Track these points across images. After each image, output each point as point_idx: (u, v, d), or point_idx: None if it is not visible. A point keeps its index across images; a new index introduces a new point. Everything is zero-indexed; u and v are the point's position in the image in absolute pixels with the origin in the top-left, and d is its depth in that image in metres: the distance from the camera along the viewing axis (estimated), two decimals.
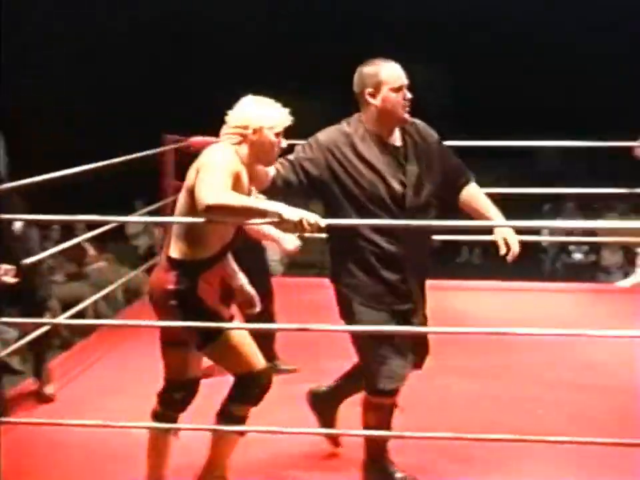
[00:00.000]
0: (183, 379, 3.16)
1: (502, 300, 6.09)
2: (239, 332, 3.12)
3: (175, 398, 3.16)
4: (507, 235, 3.27)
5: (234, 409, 3.10)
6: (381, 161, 3.26)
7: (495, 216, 3.36)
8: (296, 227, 2.80)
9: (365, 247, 3.23)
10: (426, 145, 3.34)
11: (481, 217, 3.37)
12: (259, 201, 2.99)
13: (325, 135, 3.30)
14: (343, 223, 3.18)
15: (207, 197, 2.80)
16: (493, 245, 3.30)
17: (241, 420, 3.12)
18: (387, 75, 3.24)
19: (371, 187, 3.21)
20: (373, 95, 3.25)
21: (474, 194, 3.43)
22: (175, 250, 3.07)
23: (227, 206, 2.81)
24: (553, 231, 8.55)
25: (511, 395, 4.33)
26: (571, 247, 10.35)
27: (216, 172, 2.89)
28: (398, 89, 3.24)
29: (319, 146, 3.27)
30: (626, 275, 7.29)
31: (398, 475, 3.39)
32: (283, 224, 2.82)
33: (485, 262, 10.30)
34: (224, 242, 3.09)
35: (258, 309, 3.36)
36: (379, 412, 3.31)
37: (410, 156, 3.30)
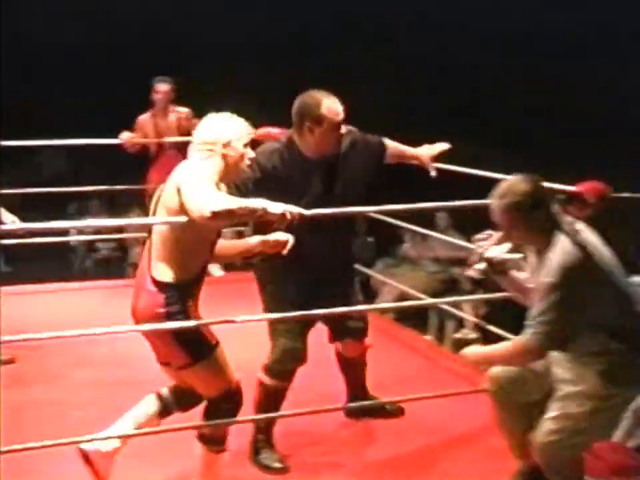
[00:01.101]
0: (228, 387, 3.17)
1: (36, 303, 5.92)
2: (222, 351, 3.17)
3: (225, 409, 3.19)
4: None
5: (214, 430, 3.19)
6: (308, 177, 3.59)
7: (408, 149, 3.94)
8: (281, 218, 2.97)
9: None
10: (360, 151, 3.73)
11: (405, 156, 3.95)
12: (247, 200, 3.02)
13: (263, 157, 3.55)
14: (325, 212, 3.34)
15: (207, 204, 2.85)
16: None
17: (223, 437, 3.22)
18: (328, 111, 3.51)
19: (296, 201, 3.19)
20: (311, 130, 3.53)
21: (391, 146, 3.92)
22: (160, 272, 3.07)
23: (228, 209, 2.88)
24: (81, 230, 8.53)
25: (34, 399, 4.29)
26: (99, 244, 10.43)
27: (203, 181, 2.96)
28: (336, 126, 3.53)
29: (260, 168, 3.51)
30: None
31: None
32: (268, 216, 2.96)
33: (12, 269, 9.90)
34: (204, 261, 3.15)
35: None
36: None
37: (340, 168, 3.67)
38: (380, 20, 7.79)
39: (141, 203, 7.35)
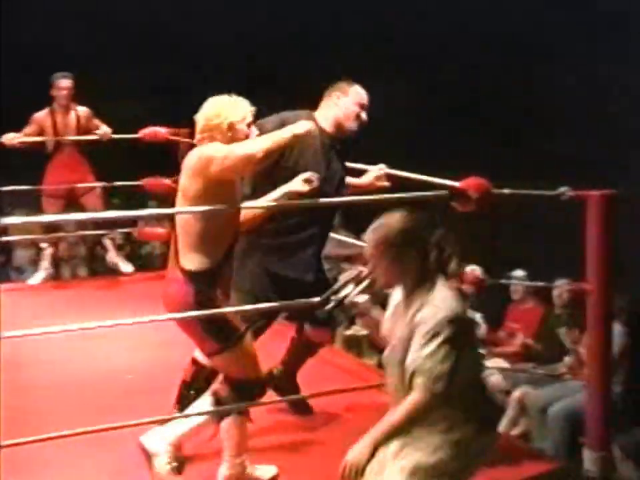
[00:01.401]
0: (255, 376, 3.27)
1: None
2: (250, 339, 3.29)
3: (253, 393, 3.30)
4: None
5: (230, 397, 3.26)
6: (317, 153, 3.81)
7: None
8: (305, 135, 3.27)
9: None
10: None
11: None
12: (275, 133, 3.20)
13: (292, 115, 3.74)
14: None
15: (253, 150, 3.07)
16: None
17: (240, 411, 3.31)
18: (356, 89, 3.90)
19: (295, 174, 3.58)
20: (338, 99, 3.87)
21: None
22: (188, 261, 3.15)
23: (272, 144, 3.11)
24: None
25: None
26: None
27: (229, 148, 3.10)
28: (359, 104, 3.87)
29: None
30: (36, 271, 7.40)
31: None
32: (299, 137, 3.22)
33: None
34: (229, 246, 3.21)
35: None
36: None
37: (344, 156, 3.96)
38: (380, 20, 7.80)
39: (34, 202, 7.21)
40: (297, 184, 3.55)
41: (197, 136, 3.27)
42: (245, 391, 3.28)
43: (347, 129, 3.91)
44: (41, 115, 6.92)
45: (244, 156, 3.08)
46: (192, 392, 3.66)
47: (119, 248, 7.64)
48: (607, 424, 3.71)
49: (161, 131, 7.07)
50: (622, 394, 5.52)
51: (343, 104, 3.89)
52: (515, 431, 5.90)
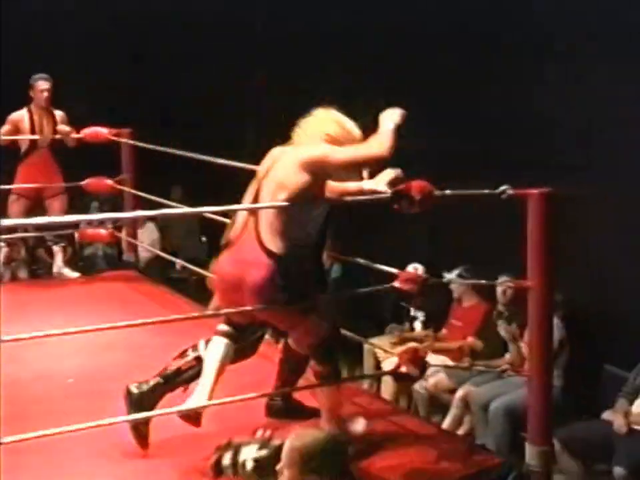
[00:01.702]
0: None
1: None
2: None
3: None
4: None
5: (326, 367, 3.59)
6: None
7: None
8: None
9: None
10: None
11: None
12: (380, 134, 3.46)
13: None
14: None
15: (379, 147, 3.39)
16: None
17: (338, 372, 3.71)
18: None
19: None
20: None
21: None
22: (274, 244, 3.37)
23: (392, 141, 3.40)
24: None
25: None
26: None
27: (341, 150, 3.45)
28: None
29: None
30: None
31: None
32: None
33: None
34: (314, 231, 3.55)
35: None
36: None
37: None
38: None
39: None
40: (382, 184, 3.70)
41: (298, 137, 3.58)
42: (334, 346, 3.63)
43: None
44: (18, 116, 6.96)
45: (373, 151, 3.43)
46: None
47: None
48: (547, 419, 3.78)
49: (103, 131, 7.02)
50: (561, 387, 5.63)
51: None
52: (460, 430, 5.97)
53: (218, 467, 3.19)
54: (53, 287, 7.08)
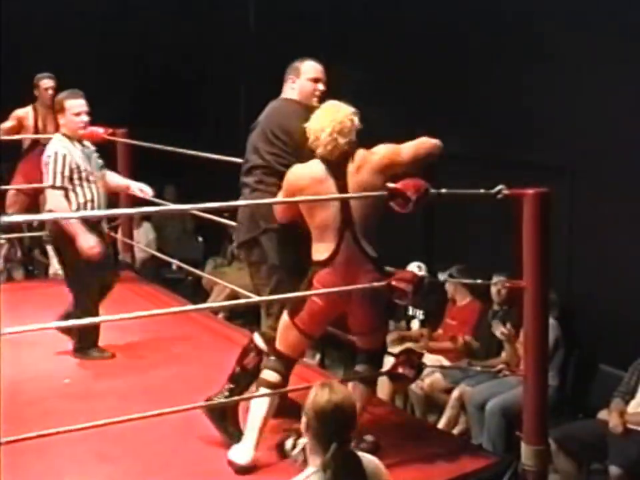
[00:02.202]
0: None
1: None
2: None
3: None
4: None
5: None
6: None
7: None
8: None
9: None
10: None
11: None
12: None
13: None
14: None
15: (431, 141, 3.72)
16: None
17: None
18: (307, 64, 3.98)
19: None
20: (293, 82, 3.97)
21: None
22: (371, 249, 3.60)
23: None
24: None
25: None
26: None
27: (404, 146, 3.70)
28: (313, 78, 3.96)
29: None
30: None
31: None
32: None
33: None
34: None
35: None
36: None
37: None
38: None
39: None
40: None
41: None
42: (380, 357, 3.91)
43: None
44: (23, 112, 7.04)
45: (430, 145, 3.72)
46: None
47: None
48: (543, 418, 3.78)
49: (99, 131, 7.02)
50: (556, 387, 5.63)
51: (298, 85, 3.98)
52: (456, 430, 5.97)
53: (281, 449, 3.62)
54: (48, 287, 7.07)
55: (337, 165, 3.58)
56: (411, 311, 7.11)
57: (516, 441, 4.01)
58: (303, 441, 2.92)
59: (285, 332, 3.65)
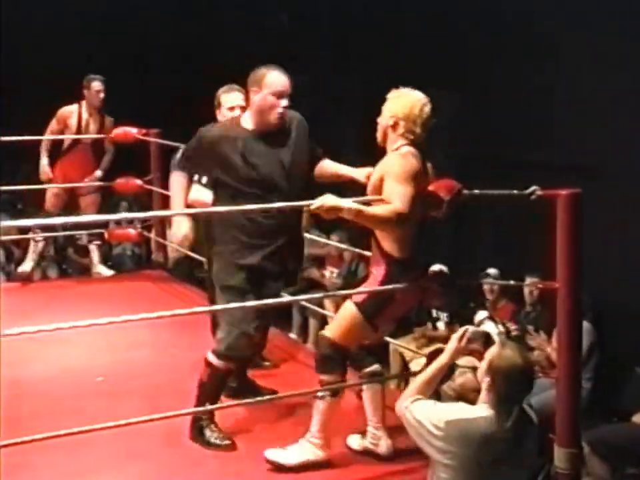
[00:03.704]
0: None
1: None
2: None
3: None
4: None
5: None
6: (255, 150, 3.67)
7: (352, 172, 3.83)
8: None
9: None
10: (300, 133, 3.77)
11: (342, 176, 3.88)
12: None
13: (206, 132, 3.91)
14: None
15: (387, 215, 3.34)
16: None
17: None
18: (270, 77, 3.65)
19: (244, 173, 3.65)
20: (255, 94, 3.68)
21: (328, 164, 3.91)
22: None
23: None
24: None
25: None
26: None
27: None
28: (277, 93, 3.64)
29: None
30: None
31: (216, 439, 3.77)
32: None
33: None
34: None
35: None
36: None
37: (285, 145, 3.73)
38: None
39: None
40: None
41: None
42: None
43: (268, 123, 3.72)
44: (67, 112, 7.08)
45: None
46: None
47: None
48: (576, 421, 3.74)
49: (132, 131, 7.06)
50: (590, 390, 5.58)
51: (258, 99, 3.69)
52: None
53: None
54: (82, 285, 7.13)
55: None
56: (434, 314, 7.13)
57: (549, 444, 3.97)
58: None
59: (354, 328, 3.70)
